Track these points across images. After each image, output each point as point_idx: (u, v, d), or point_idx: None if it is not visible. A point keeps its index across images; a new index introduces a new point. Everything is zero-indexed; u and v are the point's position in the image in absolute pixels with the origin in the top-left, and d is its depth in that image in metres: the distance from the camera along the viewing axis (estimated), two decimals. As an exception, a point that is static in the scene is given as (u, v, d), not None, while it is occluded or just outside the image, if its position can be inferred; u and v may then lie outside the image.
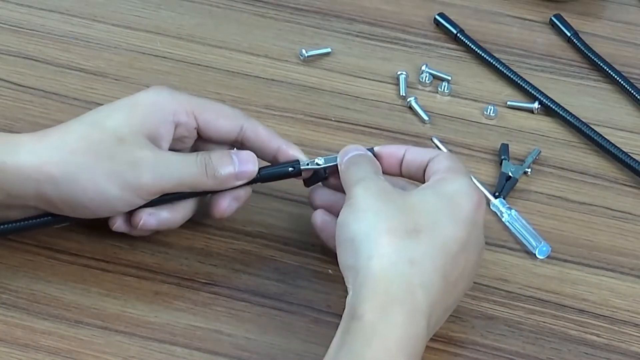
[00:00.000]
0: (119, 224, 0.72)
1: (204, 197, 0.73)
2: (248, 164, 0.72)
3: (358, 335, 0.61)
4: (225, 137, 0.73)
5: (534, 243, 0.77)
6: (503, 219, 0.79)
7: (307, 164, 0.74)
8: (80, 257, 0.74)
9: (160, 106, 0.71)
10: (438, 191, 0.68)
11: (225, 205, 0.73)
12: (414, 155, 0.72)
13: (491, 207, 0.79)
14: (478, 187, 0.72)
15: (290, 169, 0.73)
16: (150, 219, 0.72)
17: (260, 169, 0.73)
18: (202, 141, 0.74)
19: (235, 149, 0.74)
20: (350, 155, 0.72)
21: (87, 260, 0.74)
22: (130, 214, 0.72)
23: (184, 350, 0.70)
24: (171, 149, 0.72)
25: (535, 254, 0.77)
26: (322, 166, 0.74)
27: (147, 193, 0.69)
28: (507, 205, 0.79)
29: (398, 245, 0.64)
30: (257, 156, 0.73)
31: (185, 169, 0.70)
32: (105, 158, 0.68)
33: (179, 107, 0.72)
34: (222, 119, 0.73)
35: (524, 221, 0.78)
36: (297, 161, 0.74)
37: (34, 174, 0.67)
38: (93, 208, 0.69)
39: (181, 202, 0.72)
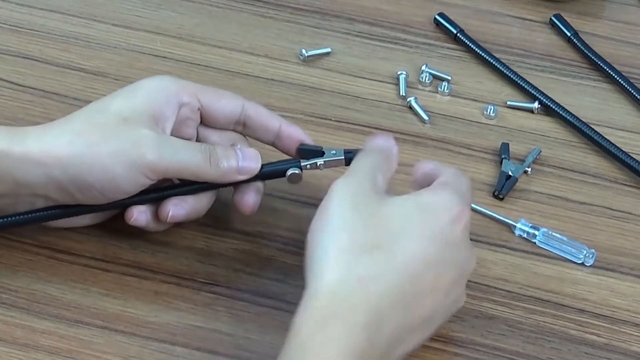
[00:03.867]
0: (136, 217, 0.72)
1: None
2: (251, 160, 0.72)
3: (294, 349, 0.60)
4: (229, 116, 0.74)
5: (579, 255, 0.77)
6: (536, 242, 0.78)
7: (308, 166, 0.74)
8: (80, 257, 0.74)
9: (163, 88, 0.72)
10: (417, 202, 0.66)
11: (252, 199, 0.73)
12: (426, 169, 0.71)
13: (516, 233, 0.79)
14: (464, 203, 0.67)
15: (291, 166, 0.74)
16: (178, 209, 0.72)
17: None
18: (205, 128, 0.75)
19: (239, 145, 0.74)
20: (371, 143, 0.71)
21: (87, 260, 0.74)
22: (155, 210, 0.72)
23: (184, 350, 0.70)
24: (177, 135, 0.72)
25: (583, 264, 0.77)
26: (323, 166, 0.74)
27: (152, 172, 0.69)
28: (531, 224, 0.79)
29: (350, 262, 0.62)
30: (260, 136, 0.75)
31: (189, 154, 0.70)
32: (110, 138, 0.69)
33: (182, 88, 0.73)
34: (224, 99, 0.74)
35: (558, 235, 0.78)
36: (299, 160, 0.74)
37: (41, 159, 0.68)
38: (100, 189, 0.69)
39: None
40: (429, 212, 0.65)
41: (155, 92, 0.72)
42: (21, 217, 0.71)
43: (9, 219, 0.71)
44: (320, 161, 0.74)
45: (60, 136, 0.69)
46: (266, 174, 0.73)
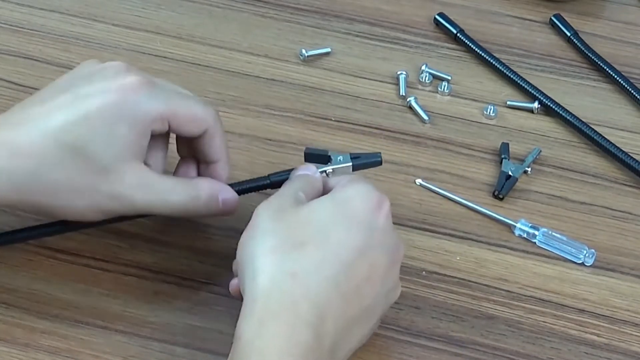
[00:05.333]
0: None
1: None
2: (229, 191, 0.72)
3: (238, 355, 0.60)
4: (190, 137, 0.72)
5: (579, 255, 0.77)
6: (536, 242, 0.78)
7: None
8: (80, 257, 0.74)
9: (140, 121, 0.68)
10: (334, 198, 0.67)
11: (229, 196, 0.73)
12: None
13: (516, 233, 0.79)
14: (379, 192, 0.68)
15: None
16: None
17: (270, 174, 0.74)
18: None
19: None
20: (295, 174, 0.71)
21: (87, 260, 0.74)
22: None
23: (184, 350, 0.70)
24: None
25: (583, 264, 0.77)
26: (332, 174, 0.74)
27: (135, 212, 0.70)
28: (531, 224, 0.79)
29: (280, 260, 0.63)
30: (197, 155, 0.73)
31: (177, 196, 0.70)
32: (88, 191, 0.67)
33: (156, 115, 0.69)
34: (192, 123, 0.71)
35: (558, 235, 0.78)
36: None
37: (9, 196, 0.66)
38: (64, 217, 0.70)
39: None
40: (348, 203, 0.66)
41: (133, 128, 0.68)
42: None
43: None
44: (329, 169, 0.74)
45: (30, 180, 0.66)
46: (276, 183, 0.73)
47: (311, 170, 0.72)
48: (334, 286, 0.63)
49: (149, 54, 0.90)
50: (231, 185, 0.74)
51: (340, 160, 0.74)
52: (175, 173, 0.74)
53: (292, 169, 0.74)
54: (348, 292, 0.63)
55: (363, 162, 0.74)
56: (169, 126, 0.70)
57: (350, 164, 0.74)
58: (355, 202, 0.66)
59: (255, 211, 0.66)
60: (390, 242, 0.67)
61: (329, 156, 0.74)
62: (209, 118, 0.71)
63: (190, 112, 0.70)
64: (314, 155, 0.74)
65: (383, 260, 0.66)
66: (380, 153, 0.75)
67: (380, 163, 0.75)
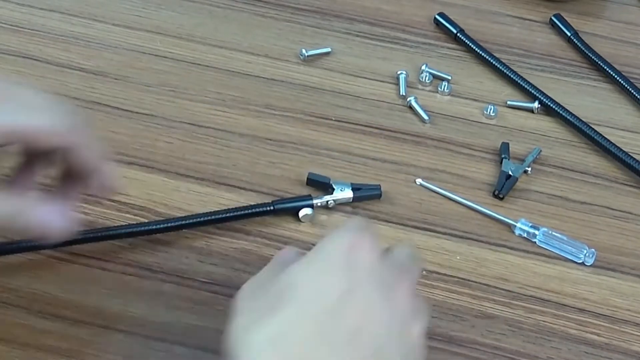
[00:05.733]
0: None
1: None
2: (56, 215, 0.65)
3: None
4: (46, 151, 0.65)
5: (579, 254, 0.77)
6: (536, 242, 0.78)
7: (319, 204, 0.78)
8: (80, 256, 0.74)
9: None
10: (308, 254, 0.60)
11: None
12: None
13: (516, 232, 0.79)
14: (356, 232, 0.61)
15: (304, 205, 0.77)
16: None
17: (274, 201, 0.76)
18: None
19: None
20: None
21: (87, 260, 0.74)
22: None
23: (184, 350, 0.70)
24: None
25: (583, 263, 0.77)
26: (333, 204, 0.78)
27: None
28: (531, 224, 0.79)
29: (254, 334, 0.57)
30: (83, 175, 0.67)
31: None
32: None
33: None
34: (42, 138, 0.63)
35: (558, 234, 0.78)
36: (311, 198, 0.77)
37: None
38: None
39: None
40: (320, 253, 0.60)
41: None
42: None
43: None
44: (330, 199, 0.78)
45: None
46: (280, 210, 0.77)
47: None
48: (320, 337, 0.57)
49: (149, 54, 0.90)
50: (235, 209, 0.76)
51: (341, 190, 0.78)
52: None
53: (295, 197, 0.77)
54: (343, 337, 0.58)
55: (363, 195, 0.79)
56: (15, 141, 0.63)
57: (351, 195, 0.78)
58: (326, 250, 0.60)
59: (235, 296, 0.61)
60: (381, 276, 0.60)
61: (331, 184, 0.78)
62: (62, 131, 0.64)
63: (34, 128, 0.63)
64: (316, 181, 0.79)
65: (376, 295, 0.59)
66: (379, 186, 0.79)
67: (379, 196, 0.79)
